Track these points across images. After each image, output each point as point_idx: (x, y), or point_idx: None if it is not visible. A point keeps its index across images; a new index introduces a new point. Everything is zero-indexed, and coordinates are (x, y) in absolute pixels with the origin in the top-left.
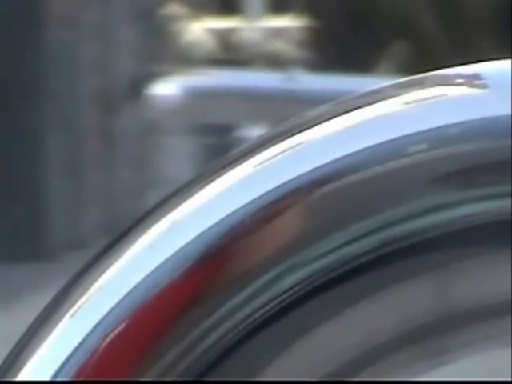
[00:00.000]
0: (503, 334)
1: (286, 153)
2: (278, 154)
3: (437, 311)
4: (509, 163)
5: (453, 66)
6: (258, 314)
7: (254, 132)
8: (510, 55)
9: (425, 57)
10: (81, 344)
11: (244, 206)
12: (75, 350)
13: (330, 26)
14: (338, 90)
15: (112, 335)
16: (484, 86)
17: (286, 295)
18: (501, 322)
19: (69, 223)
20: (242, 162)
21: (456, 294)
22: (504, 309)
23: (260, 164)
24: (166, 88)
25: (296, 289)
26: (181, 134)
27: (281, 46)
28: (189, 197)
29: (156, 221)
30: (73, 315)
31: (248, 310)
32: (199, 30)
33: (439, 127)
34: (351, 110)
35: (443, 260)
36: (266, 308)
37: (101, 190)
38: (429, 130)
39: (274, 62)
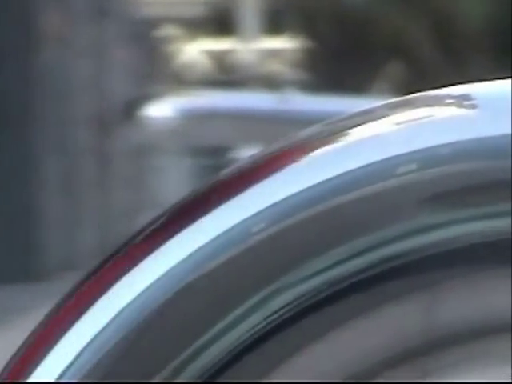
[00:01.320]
0: (488, 355)
1: (273, 175)
2: (265, 177)
3: (425, 331)
4: (498, 184)
5: (444, 86)
6: (245, 336)
7: (249, 153)
8: (503, 76)
9: (421, 78)
10: (70, 365)
11: (232, 228)
12: (65, 371)
13: (325, 48)
14: (333, 111)
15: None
16: (474, 107)
17: (274, 317)
18: (486, 342)
19: (62, 244)
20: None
21: (443, 314)
22: (490, 330)
23: (247, 187)
24: (161, 109)
25: (283, 311)
26: (175, 156)
27: (276, 68)
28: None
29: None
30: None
31: (237, 332)
32: (194, 51)
33: (429, 148)
34: (341, 131)
35: (431, 280)
36: (254, 330)
37: (95, 211)
38: (418, 151)
39: (270, 83)
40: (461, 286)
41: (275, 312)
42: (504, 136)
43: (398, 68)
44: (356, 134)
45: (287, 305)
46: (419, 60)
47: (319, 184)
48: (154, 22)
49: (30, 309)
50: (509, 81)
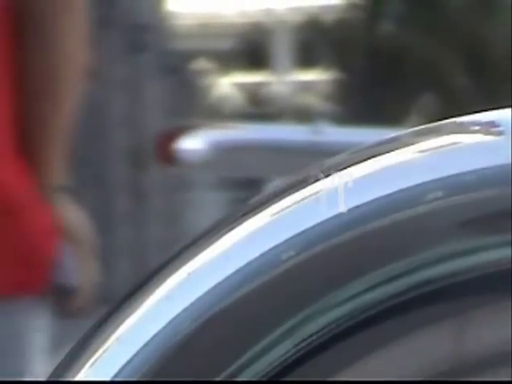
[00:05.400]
0: None
1: (303, 201)
2: (295, 203)
3: (454, 358)
4: None
5: (471, 113)
6: (276, 363)
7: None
8: None
9: (454, 108)
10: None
11: (262, 256)
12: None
13: (357, 80)
14: (366, 142)
15: None
16: (499, 133)
17: (304, 343)
18: None
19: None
20: (259, 212)
21: (474, 340)
22: None
23: (277, 213)
24: (195, 143)
25: (314, 337)
26: (209, 189)
27: (309, 100)
28: (205, 247)
29: (173, 271)
30: (92, 365)
31: (267, 359)
32: (228, 84)
33: (455, 175)
34: (367, 159)
35: (461, 306)
36: (285, 357)
37: (130, 246)
38: (445, 178)
39: (303, 115)
40: (490, 313)
41: (305, 339)
42: None
43: (430, 99)
44: (383, 161)
45: (318, 331)
46: (452, 90)
47: (348, 211)
48: (187, 56)
49: (66, 344)
50: None
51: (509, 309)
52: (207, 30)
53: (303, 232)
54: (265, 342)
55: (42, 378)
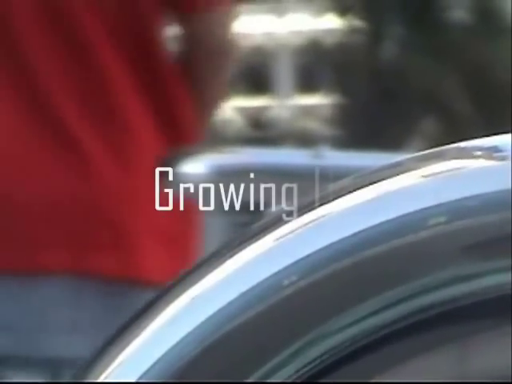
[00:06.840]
0: None
1: (306, 227)
2: (298, 228)
3: (456, 382)
4: None
5: (473, 138)
6: None
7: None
8: None
9: (455, 133)
10: None
11: (263, 281)
12: None
13: (359, 104)
14: (368, 167)
15: None
16: (502, 158)
17: (308, 367)
18: None
19: None
20: (261, 238)
21: (475, 365)
22: None
23: (279, 239)
24: (196, 167)
25: (317, 362)
26: (209, 213)
27: (310, 124)
28: (209, 272)
29: (177, 296)
30: None
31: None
32: (229, 108)
33: (458, 200)
34: (371, 184)
35: (462, 332)
36: (287, 382)
37: None
38: (448, 203)
39: (304, 139)
40: (492, 337)
41: (308, 363)
42: None
43: (432, 123)
44: (386, 186)
45: (320, 356)
46: (454, 115)
47: (350, 236)
48: None
49: None
50: None
51: (510, 334)
52: None
53: (305, 258)
54: (267, 367)
55: None
